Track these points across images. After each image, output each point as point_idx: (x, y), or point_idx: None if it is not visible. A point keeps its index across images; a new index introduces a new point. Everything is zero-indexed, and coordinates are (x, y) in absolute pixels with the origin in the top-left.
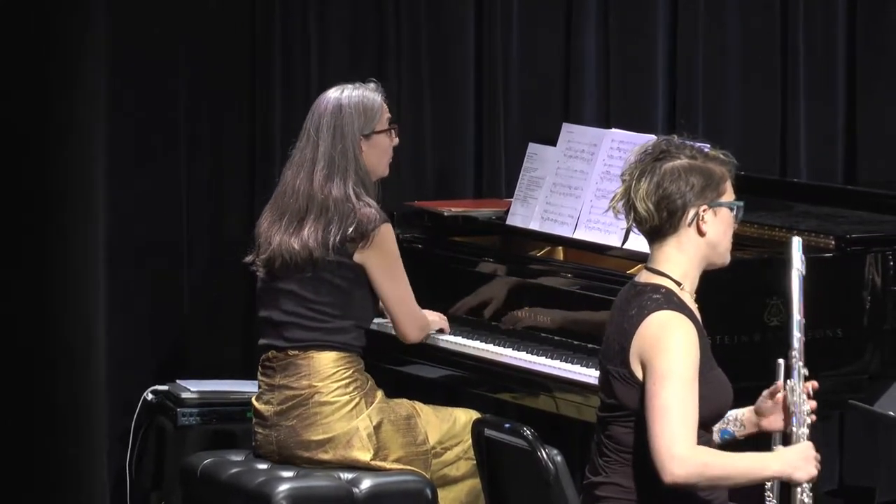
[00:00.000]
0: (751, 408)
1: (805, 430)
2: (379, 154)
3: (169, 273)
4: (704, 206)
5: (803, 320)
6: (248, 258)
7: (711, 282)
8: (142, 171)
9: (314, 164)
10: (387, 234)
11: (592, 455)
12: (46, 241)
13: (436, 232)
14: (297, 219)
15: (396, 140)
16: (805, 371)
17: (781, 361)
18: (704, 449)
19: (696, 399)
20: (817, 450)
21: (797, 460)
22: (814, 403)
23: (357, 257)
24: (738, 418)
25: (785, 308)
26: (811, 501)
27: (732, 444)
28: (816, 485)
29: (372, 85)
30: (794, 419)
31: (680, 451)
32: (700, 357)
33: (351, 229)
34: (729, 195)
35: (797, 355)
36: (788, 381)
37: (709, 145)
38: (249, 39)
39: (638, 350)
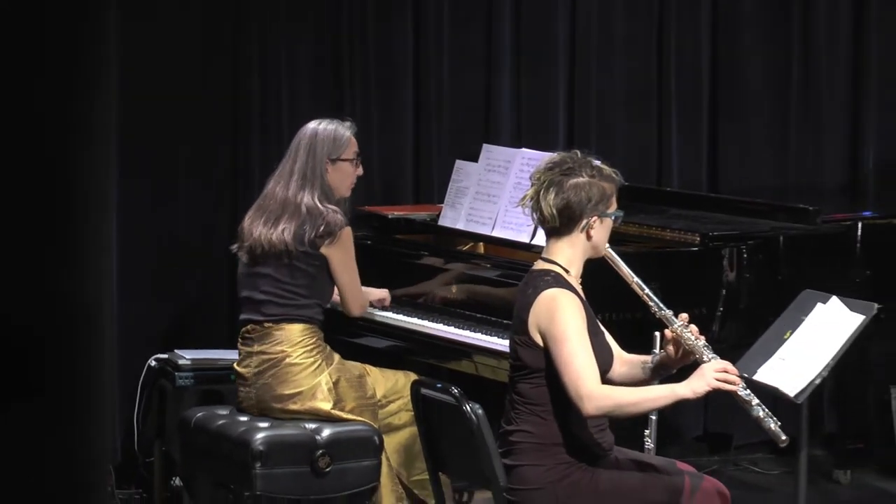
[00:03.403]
0: (654, 358)
1: (710, 355)
2: (342, 177)
3: (168, 264)
4: (595, 217)
5: (640, 280)
6: (234, 247)
7: (601, 271)
8: (146, 181)
9: (290, 175)
10: (348, 235)
11: (506, 409)
12: (69, 242)
13: (382, 231)
14: (274, 217)
15: (361, 171)
16: (670, 311)
17: (657, 333)
18: (609, 386)
19: (590, 350)
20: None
21: (693, 379)
22: (696, 328)
23: (323, 250)
24: (647, 367)
25: (660, 291)
26: (749, 397)
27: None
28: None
29: (348, 123)
30: (697, 353)
31: (586, 390)
32: (587, 324)
33: (321, 228)
34: (613, 206)
35: (659, 307)
36: (673, 328)
37: (600, 160)
38: (232, 72)
39: (535, 320)
